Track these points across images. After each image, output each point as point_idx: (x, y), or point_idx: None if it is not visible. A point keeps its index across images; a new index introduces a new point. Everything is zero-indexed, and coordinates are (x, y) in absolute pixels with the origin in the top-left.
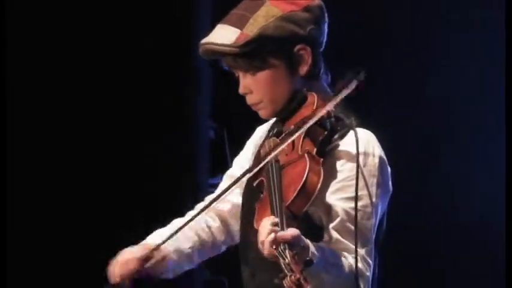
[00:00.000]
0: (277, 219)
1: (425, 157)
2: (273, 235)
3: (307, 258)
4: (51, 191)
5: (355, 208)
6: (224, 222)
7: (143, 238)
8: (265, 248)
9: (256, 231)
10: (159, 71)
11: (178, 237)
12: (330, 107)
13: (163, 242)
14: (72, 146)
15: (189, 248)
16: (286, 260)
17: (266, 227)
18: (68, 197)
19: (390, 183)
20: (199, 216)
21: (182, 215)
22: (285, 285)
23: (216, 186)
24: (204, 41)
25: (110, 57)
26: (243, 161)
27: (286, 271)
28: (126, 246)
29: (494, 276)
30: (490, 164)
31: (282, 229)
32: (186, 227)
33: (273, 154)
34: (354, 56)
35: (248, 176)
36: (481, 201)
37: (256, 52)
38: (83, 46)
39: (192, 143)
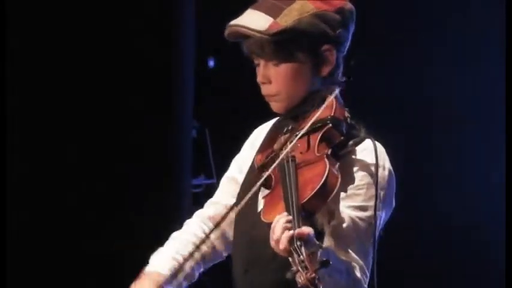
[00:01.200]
0: (290, 217)
1: (425, 157)
2: (290, 232)
3: (324, 259)
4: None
5: (375, 218)
6: (222, 230)
7: (131, 237)
8: (282, 243)
9: (260, 225)
10: (142, 71)
11: (177, 255)
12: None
13: (175, 275)
14: (61, 146)
15: (190, 267)
16: (301, 257)
17: (281, 224)
18: (59, 199)
19: (394, 198)
20: (196, 226)
21: (166, 215)
22: (299, 281)
23: (198, 186)
24: (234, 22)
25: (90, 59)
26: (241, 163)
27: (299, 268)
28: (115, 245)
29: (494, 277)
30: (490, 164)
31: (299, 226)
32: (185, 241)
33: (288, 148)
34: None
35: (262, 179)
36: (481, 201)
37: (286, 43)
38: (71, 44)
39: (175, 142)
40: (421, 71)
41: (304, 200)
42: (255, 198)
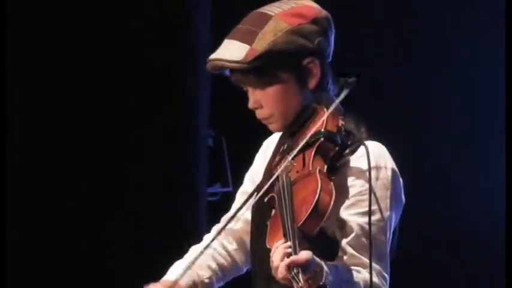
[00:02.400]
0: (289, 243)
1: (425, 157)
2: (287, 260)
3: (321, 283)
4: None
5: (369, 223)
6: (241, 243)
7: (146, 246)
8: (280, 273)
9: (268, 250)
10: (158, 80)
11: (195, 267)
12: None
13: (181, 277)
14: (69, 153)
15: (208, 278)
16: (300, 284)
17: (280, 252)
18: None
19: (403, 194)
20: (216, 241)
21: (182, 224)
22: None
23: (214, 195)
24: (212, 57)
25: (104, 65)
26: (254, 176)
27: None
28: (130, 253)
29: (495, 277)
30: (490, 164)
31: (295, 252)
32: (203, 255)
33: (279, 171)
34: (353, 58)
35: (260, 193)
36: (481, 201)
37: (265, 67)
38: (79, 46)
39: (191, 151)
40: (421, 71)
41: (300, 223)
42: (265, 223)
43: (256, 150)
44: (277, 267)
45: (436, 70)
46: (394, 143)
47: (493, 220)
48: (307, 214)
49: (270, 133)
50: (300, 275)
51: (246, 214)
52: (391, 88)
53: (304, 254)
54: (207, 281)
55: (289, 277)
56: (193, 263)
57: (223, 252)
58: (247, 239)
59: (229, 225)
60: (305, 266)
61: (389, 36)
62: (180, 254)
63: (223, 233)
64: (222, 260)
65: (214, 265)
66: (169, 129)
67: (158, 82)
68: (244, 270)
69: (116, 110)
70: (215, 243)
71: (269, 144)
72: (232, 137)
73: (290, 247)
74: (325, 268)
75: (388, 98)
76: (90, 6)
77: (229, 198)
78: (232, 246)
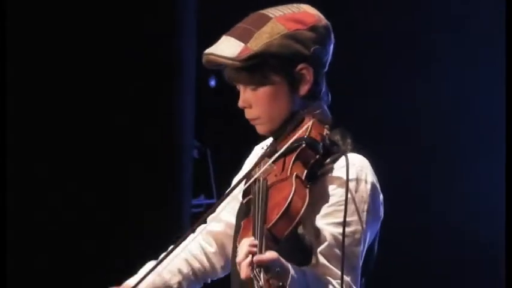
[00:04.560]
0: (256, 241)
1: (424, 157)
2: (250, 257)
3: (280, 284)
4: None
5: (343, 234)
6: (221, 246)
7: (129, 256)
8: (242, 270)
9: None
10: (143, 91)
11: (164, 271)
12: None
13: (140, 282)
14: (56, 158)
15: (176, 283)
16: (260, 283)
17: (244, 248)
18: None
19: (382, 209)
20: (195, 244)
21: (166, 235)
22: None
23: (198, 206)
24: (207, 51)
25: (89, 73)
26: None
27: None
28: (111, 264)
29: (495, 277)
30: (490, 164)
31: (260, 251)
32: (177, 258)
33: (258, 173)
34: (353, 59)
35: (239, 192)
36: (481, 201)
37: (258, 67)
38: (73, 49)
39: (175, 162)
40: (420, 72)
41: (270, 224)
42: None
43: (242, 162)
44: (239, 264)
45: (436, 70)
46: (394, 143)
47: (493, 220)
48: (278, 217)
49: (255, 146)
50: (262, 274)
51: (229, 217)
52: (391, 88)
53: (269, 254)
54: (174, 286)
55: (251, 275)
56: (155, 267)
57: (200, 256)
58: (229, 243)
59: (211, 226)
60: (267, 266)
61: (388, 36)
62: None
63: (203, 235)
64: (197, 265)
65: (186, 269)
66: (155, 140)
67: (143, 93)
68: (221, 275)
69: (97, 118)
70: (193, 245)
71: (259, 150)
72: (217, 148)
73: (255, 246)
74: (292, 271)
75: (388, 98)
76: (89, 23)
77: None
78: (211, 249)
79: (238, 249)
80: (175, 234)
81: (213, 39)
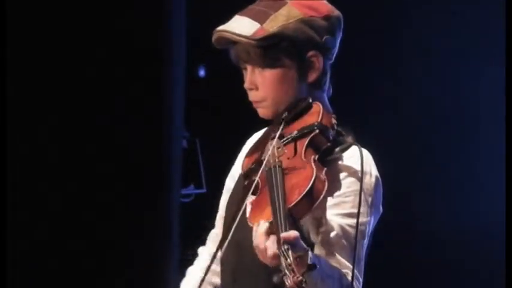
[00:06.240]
0: (273, 221)
1: (424, 158)
2: (274, 236)
3: (310, 263)
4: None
5: (357, 224)
6: None
7: (118, 245)
8: (269, 248)
9: (249, 234)
10: (131, 80)
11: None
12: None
13: None
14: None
15: None
16: (289, 260)
17: (263, 228)
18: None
19: (381, 205)
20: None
21: (155, 224)
22: (286, 283)
23: (187, 196)
24: (220, 28)
25: (76, 64)
26: (234, 173)
27: (286, 271)
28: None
29: (494, 278)
30: (490, 165)
31: (285, 230)
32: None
33: (269, 153)
34: (353, 59)
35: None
36: (481, 202)
37: (271, 49)
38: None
39: (164, 152)
40: (420, 71)
41: (292, 204)
42: (242, 205)
43: (231, 152)
44: (258, 245)
45: (436, 70)
46: (394, 143)
47: (493, 221)
48: (300, 197)
49: (245, 136)
50: (290, 251)
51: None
52: (391, 88)
53: (294, 232)
54: None
55: (279, 252)
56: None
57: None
58: None
59: (215, 236)
60: (294, 243)
61: (388, 36)
62: (151, 256)
63: (209, 250)
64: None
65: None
66: (143, 130)
67: (131, 83)
68: None
69: (89, 111)
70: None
71: (252, 143)
72: (207, 138)
73: (273, 226)
74: (310, 253)
75: (388, 98)
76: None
77: (203, 199)
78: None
79: (255, 228)
80: (164, 224)
81: (204, 29)
